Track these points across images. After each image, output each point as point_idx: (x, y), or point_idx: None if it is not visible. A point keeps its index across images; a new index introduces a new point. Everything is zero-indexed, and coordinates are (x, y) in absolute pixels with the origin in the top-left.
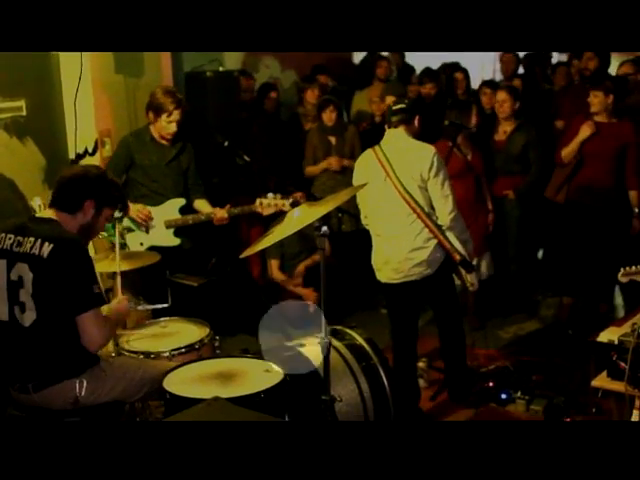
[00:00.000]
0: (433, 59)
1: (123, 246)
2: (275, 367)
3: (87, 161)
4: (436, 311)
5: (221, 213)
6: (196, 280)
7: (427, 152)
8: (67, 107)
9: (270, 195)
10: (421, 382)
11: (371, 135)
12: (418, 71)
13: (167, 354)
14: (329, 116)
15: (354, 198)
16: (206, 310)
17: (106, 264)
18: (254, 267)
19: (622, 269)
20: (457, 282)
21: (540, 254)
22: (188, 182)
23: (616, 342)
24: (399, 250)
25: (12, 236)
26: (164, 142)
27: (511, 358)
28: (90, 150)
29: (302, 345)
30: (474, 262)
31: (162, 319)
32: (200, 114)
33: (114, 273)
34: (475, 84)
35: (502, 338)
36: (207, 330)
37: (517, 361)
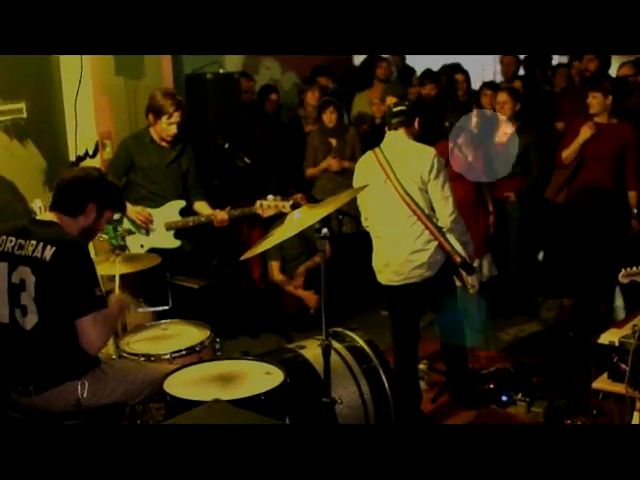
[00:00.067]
0: (433, 61)
1: (123, 248)
2: (276, 369)
3: (87, 163)
4: (437, 313)
5: (221, 215)
6: (197, 282)
7: (427, 154)
8: (67, 109)
9: (270, 197)
10: (422, 384)
11: (371, 137)
12: (418, 73)
13: (168, 356)
14: (329, 117)
15: (355, 200)
16: (207, 312)
17: (106, 266)
18: (255, 269)
19: (623, 270)
20: (458, 284)
21: (541, 256)
22: (188, 184)
23: (617, 344)
24: (399, 252)
25: (13, 239)
26: (164, 144)
27: (512, 360)
28: (90, 152)
29: (303, 347)
30: (475, 264)
31: (163, 321)
32: (200, 116)
33: (114, 275)
34: (475, 86)
35: (503, 340)
36: (208, 332)
37: (518, 363)
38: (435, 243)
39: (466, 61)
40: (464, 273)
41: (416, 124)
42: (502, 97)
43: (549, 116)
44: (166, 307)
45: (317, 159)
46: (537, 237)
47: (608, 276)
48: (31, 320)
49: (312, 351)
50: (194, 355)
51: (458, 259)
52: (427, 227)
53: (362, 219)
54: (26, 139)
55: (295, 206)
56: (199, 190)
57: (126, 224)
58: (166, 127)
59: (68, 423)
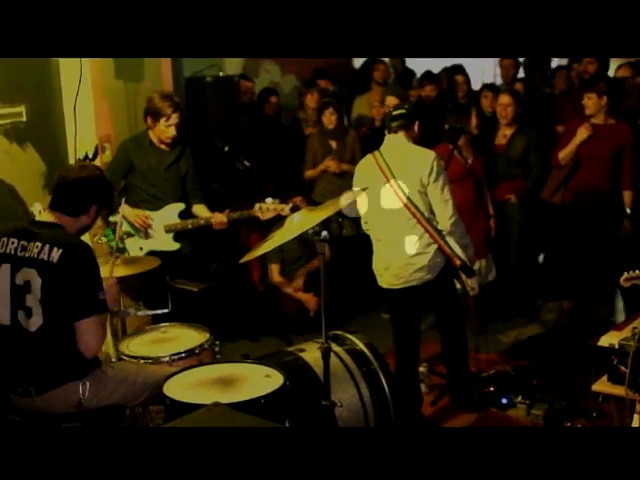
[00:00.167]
0: (433, 64)
1: (123, 251)
2: (275, 372)
3: None
4: (438, 316)
5: (220, 218)
6: (196, 285)
7: (427, 157)
8: (67, 113)
9: (269, 200)
10: (422, 387)
11: (371, 140)
12: (418, 76)
13: (167, 359)
14: (329, 118)
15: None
16: (206, 315)
17: (106, 269)
18: (254, 272)
19: (625, 273)
20: (458, 286)
21: (541, 258)
22: (187, 187)
23: (617, 346)
24: (399, 255)
25: (15, 240)
26: (163, 147)
27: (512, 362)
28: (90, 155)
29: (302, 350)
30: (475, 267)
31: (162, 324)
32: (200, 119)
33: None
34: (475, 88)
35: (503, 342)
36: (207, 335)
37: (518, 365)
38: (435, 246)
39: (466, 64)
40: (464, 276)
41: (416, 127)
42: (505, 99)
43: (549, 118)
44: (166, 310)
45: (317, 161)
46: (537, 239)
47: (607, 278)
48: (36, 322)
49: (312, 354)
50: (193, 358)
51: (458, 262)
52: (427, 230)
53: (362, 222)
54: (26, 142)
55: (294, 209)
56: (198, 193)
57: (125, 227)
58: (165, 129)
59: (68, 426)
